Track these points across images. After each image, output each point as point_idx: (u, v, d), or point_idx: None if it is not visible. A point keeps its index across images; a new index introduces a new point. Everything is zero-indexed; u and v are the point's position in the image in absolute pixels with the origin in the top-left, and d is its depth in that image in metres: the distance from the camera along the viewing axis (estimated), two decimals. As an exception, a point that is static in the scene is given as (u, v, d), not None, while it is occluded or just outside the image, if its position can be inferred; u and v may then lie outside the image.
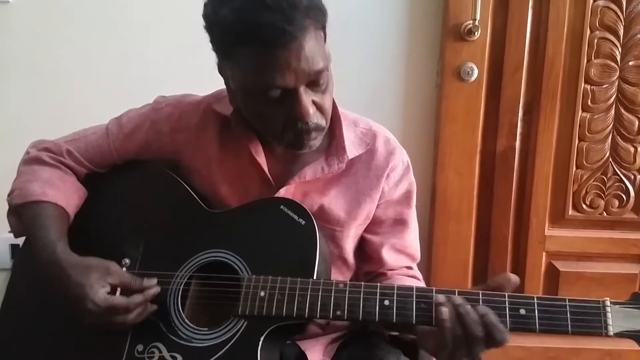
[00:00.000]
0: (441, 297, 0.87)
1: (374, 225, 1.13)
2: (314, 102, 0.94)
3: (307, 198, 1.05)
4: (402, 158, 1.13)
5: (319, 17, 0.92)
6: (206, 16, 0.93)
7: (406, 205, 1.14)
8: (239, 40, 0.88)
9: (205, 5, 0.93)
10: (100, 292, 0.94)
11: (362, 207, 1.09)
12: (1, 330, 1.11)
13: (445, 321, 0.84)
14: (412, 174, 1.15)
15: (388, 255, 1.12)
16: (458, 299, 0.86)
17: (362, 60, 1.72)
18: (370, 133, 1.12)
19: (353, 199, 1.08)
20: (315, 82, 0.93)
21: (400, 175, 1.11)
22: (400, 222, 1.14)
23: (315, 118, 0.94)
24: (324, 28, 0.95)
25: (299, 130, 0.94)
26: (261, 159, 1.06)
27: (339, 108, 1.09)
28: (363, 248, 1.15)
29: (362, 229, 1.12)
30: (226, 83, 1.00)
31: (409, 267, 1.16)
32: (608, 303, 0.84)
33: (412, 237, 1.16)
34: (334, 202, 1.07)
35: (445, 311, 0.85)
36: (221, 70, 0.99)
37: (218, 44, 0.94)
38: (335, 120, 1.07)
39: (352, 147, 1.08)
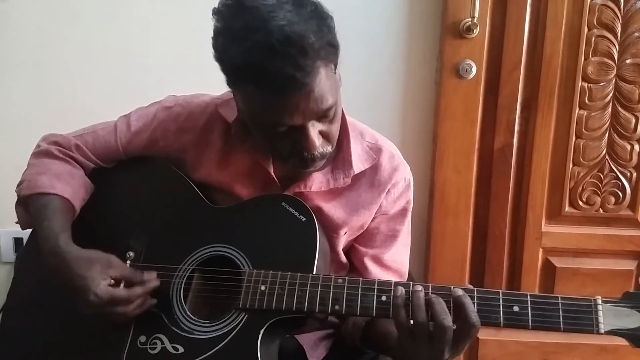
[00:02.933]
0: (417, 287, 0.89)
1: (364, 237, 1.14)
2: (321, 132, 0.94)
3: (307, 201, 1.06)
4: (404, 175, 1.13)
5: (331, 55, 0.90)
6: (215, 48, 0.91)
7: (400, 222, 1.15)
8: (247, 80, 0.87)
9: (214, 34, 0.91)
10: (102, 284, 0.96)
11: (359, 218, 1.10)
12: (6, 321, 1.13)
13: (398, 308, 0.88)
14: (412, 192, 1.15)
15: (372, 267, 1.13)
16: (417, 288, 0.89)
17: (362, 58, 1.73)
18: (375, 147, 1.12)
19: (352, 209, 1.09)
20: (323, 115, 0.92)
21: (400, 192, 1.12)
22: (391, 238, 1.14)
23: (321, 148, 0.95)
24: (335, 62, 0.93)
25: (305, 158, 0.95)
26: (267, 162, 1.07)
27: (347, 116, 1.08)
28: (349, 257, 1.16)
29: (354, 236, 1.14)
30: (234, 97, 1.00)
31: None
32: (599, 301, 0.86)
33: (399, 252, 1.16)
34: (333, 210, 1.08)
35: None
36: (230, 88, 0.98)
37: (227, 75, 0.92)
38: (342, 133, 1.06)
39: (359, 161, 1.08)
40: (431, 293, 0.89)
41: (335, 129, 0.98)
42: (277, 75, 0.83)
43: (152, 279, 1.01)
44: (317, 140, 0.93)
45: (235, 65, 0.87)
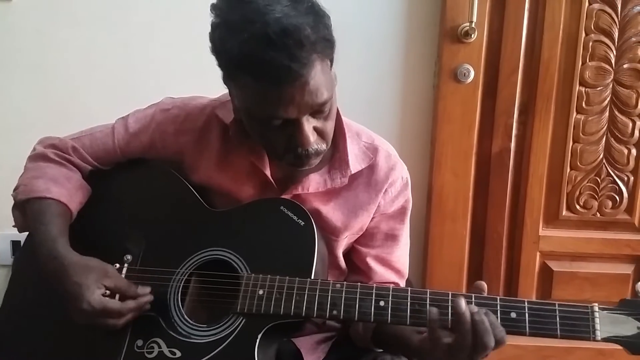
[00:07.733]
0: (463, 305, 0.87)
1: (365, 237, 1.14)
2: (315, 129, 0.94)
3: (306, 204, 1.06)
4: (401, 174, 1.12)
5: (326, 49, 0.90)
6: (213, 41, 0.92)
7: (399, 221, 1.14)
8: (244, 72, 0.88)
9: (212, 28, 0.91)
10: (96, 294, 0.95)
11: (358, 219, 1.10)
12: (3, 324, 1.12)
13: (466, 325, 0.85)
14: (410, 191, 1.15)
15: (376, 267, 1.13)
16: (474, 307, 0.87)
17: (361, 62, 1.74)
18: (372, 147, 1.11)
19: (350, 211, 1.09)
20: (318, 111, 0.93)
21: (398, 191, 1.12)
22: (391, 237, 1.14)
23: (316, 144, 0.95)
24: (331, 58, 0.94)
25: (299, 155, 0.95)
26: (263, 164, 1.07)
27: (342, 117, 1.08)
28: (352, 258, 1.16)
29: (354, 238, 1.13)
30: (230, 94, 1.00)
31: (396, 284, 1.15)
32: (596, 308, 0.86)
33: (401, 253, 1.16)
34: (332, 212, 1.08)
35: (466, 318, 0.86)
36: (226, 84, 0.98)
37: (223, 69, 0.94)
38: (339, 133, 1.06)
39: (355, 161, 1.08)
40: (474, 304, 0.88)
41: (330, 126, 0.98)
42: (273, 66, 0.84)
43: (145, 294, 1.00)
44: (311, 136, 0.93)
45: (232, 57, 0.88)
